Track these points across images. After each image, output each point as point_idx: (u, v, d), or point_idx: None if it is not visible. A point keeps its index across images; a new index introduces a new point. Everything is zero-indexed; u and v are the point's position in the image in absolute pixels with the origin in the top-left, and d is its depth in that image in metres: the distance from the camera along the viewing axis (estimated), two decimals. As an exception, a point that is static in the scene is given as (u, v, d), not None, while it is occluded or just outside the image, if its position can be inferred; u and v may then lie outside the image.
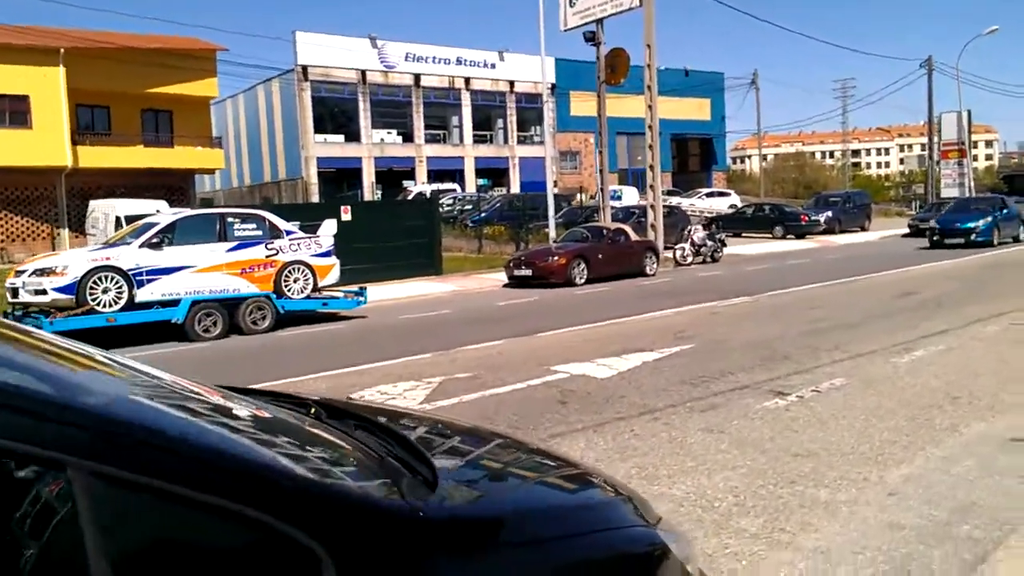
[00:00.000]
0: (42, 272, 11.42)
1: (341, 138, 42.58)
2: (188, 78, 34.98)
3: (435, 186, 41.76)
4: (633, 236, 20.97)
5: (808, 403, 6.77)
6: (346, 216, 19.48)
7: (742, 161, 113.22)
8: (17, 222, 32.39)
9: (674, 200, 49.77)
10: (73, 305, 11.49)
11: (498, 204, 32.98)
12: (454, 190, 40.43)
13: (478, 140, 48.08)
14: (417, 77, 44.11)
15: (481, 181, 48.31)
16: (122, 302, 11.79)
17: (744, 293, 15.11)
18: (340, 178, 43.26)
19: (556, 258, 18.62)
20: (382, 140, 43.69)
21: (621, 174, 56.55)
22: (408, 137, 44.75)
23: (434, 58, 44.61)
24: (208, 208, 13.00)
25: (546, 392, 7.43)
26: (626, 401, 7.01)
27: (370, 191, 42.41)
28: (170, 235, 12.41)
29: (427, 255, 21.34)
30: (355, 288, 14.98)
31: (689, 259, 23.68)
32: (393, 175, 44.24)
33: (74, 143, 31.81)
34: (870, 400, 6.79)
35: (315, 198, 39.63)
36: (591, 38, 24.75)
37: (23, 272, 11.61)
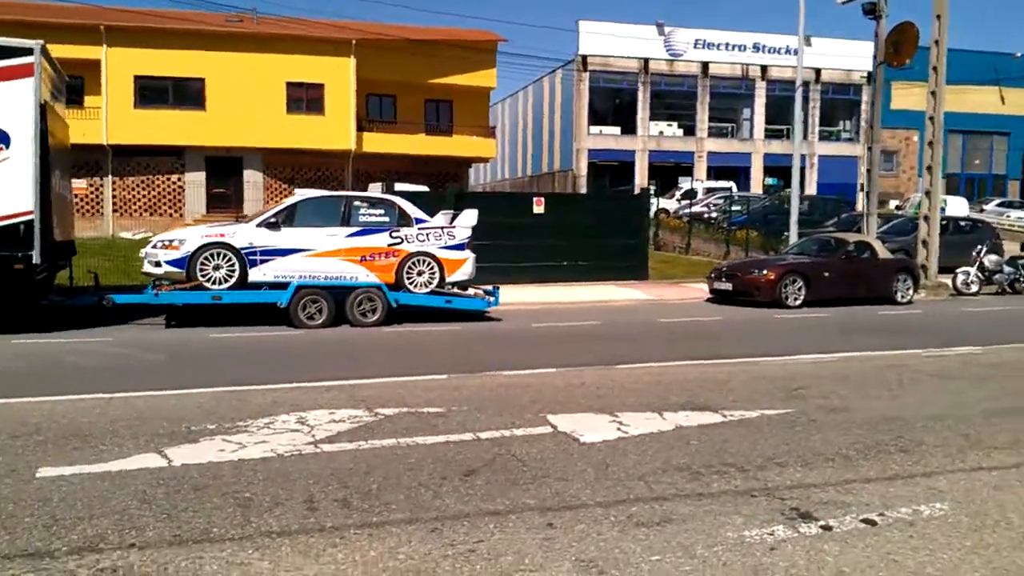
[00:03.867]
0: (162, 244, 11.67)
1: (617, 130, 41.27)
2: (469, 69, 36.03)
3: (711, 183, 38.83)
4: (882, 253, 16.93)
5: (821, 543, 4.10)
6: (538, 209, 18.18)
7: None
8: (310, 199, 35.80)
9: (1015, 213, 41.28)
10: (184, 279, 11.60)
11: (764, 205, 29.40)
12: (729, 189, 37.09)
13: (771, 135, 43.80)
14: (705, 66, 41.22)
15: (770, 180, 44.05)
16: (232, 280, 11.65)
17: (993, 340, 11.18)
18: (620, 171, 41.96)
19: (765, 272, 15.55)
20: (660, 133, 41.59)
21: (950, 180, 48.38)
22: (690, 130, 42.11)
23: (727, 44, 41.35)
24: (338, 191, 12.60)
25: (475, 453, 5.47)
26: (555, 488, 4.84)
27: (641, 185, 40.61)
28: (291, 216, 12.06)
29: (633, 257, 19.25)
30: (488, 287, 13.64)
31: (974, 287, 18.79)
32: (672, 170, 41.99)
33: (359, 129, 34.26)
34: (942, 557, 3.95)
35: (583, 191, 38.87)
36: (871, 10, 20.53)
37: (151, 243, 11.98)
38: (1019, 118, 46.28)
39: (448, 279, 12.82)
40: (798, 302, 15.43)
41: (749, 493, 4.82)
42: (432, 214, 13.11)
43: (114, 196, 33.29)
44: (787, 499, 4.74)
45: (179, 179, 33.64)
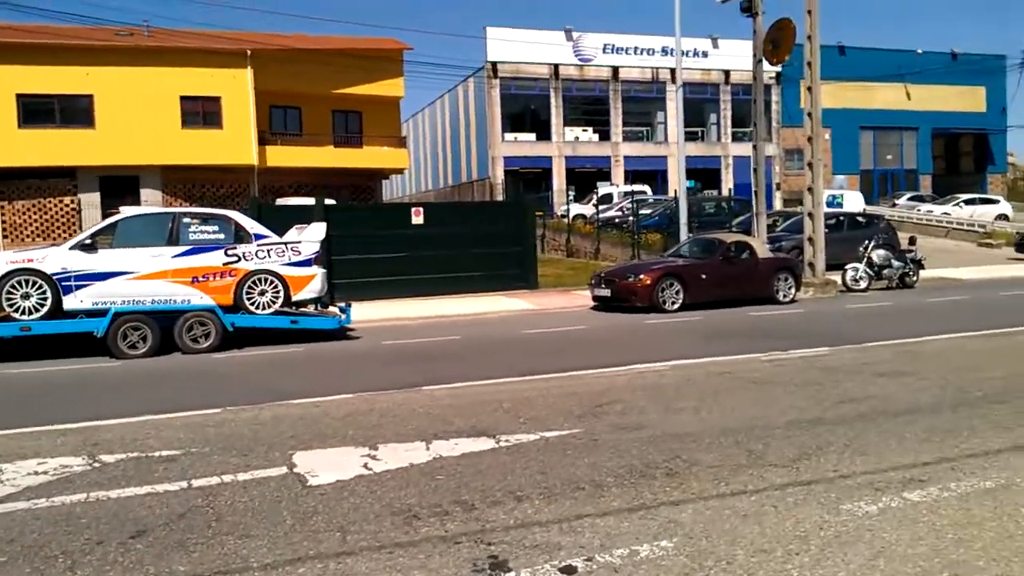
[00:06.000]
0: (-37, 274, 10.68)
1: (532, 137, 40.89)
2: (375, 78, 35.23)
3: (627, 188, 38.69)
4: (761, 252, 16.67)
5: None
6: (417, 219, 17.51)
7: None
8: (214, 217, 34.50)
9: (924, 207, 42.07)
10: (-10, 310, 10.65)
11: (670, 208, 29.20)
12: (644, 192, 36.99)
13: (686, 137, 43.88)
14: (615, 70, 41.13)
15: (688, 183, 44.12)
16: (44, 309, 10.72)
17: (848, 340, 10.86)
18: (537, 179, 41.53)
19: (641, 277, 15.13)
20: (576, 138, 41.33)
21: (864, 176, 49.30)
22: (605, 135, 41.96)
23: (636, 48, 41.32)
24: (166, 208, 11.86)
25: (169, 507, 4.75)
26: (229, 548, 4.14)
27: (560, 192, 40.27)
28: (109, 236, 11.18)
29: (520, 265, 18.72)
30: (340, 305, 12.94)
31: (863, 283, 18.69)
32: (591, 175, 41.74)
33: (261, 143, 33.15)
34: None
35: (500, 199, 38.33)
36: (747, 8, 20.46)
37: (-47, 273, 10.96)
38: (926, 113, 47.32)
39: (295, 297, 12.07)
40: (676, 306, 15.04)
41: (455, 539, 4.20)
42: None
43: (3, 222, 31.64)
44: (495, 543, 4.14)
45: (73, 201, 32.12)
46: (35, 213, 31.84)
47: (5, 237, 31.70)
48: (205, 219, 11.80)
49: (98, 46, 30.47)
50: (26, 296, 10.67)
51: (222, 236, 11.70)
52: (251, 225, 12.03)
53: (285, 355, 11.14)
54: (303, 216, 15.34)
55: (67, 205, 32.09)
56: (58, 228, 31.96)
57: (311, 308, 12.93)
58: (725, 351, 10.16)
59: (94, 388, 8.98)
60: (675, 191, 40.69)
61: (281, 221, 13.83)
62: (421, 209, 17.78)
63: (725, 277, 15.69)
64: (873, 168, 48.98)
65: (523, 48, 38.65)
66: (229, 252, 11.62)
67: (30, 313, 10.70)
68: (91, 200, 32.11)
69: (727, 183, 44.39)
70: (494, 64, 38.95)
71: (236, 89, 32.24)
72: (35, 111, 30.22)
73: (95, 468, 5.51)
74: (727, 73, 43.31)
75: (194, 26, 36.82)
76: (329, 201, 25.05)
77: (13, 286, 10.60)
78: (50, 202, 31.98)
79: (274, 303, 11.87)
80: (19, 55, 29.44)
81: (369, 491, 4.98)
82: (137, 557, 4.04)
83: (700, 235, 18.97)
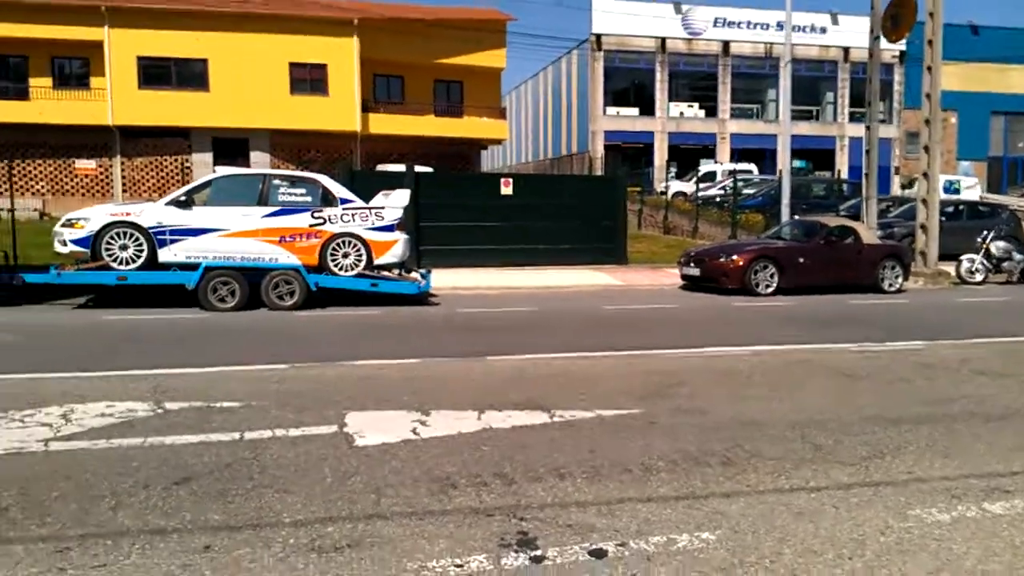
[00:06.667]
0: (68, 223, 11.27)
1: (635, 111, 40.01)
2: (478, 48, 35.27)
3: (731, 166, 37.44)
4: (867, 238, 15.74)
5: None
6: (507, 189, 17.39)
7: None
8: (318, 182, 35.39)
9: (1055, 199, 38.96)
10: (91, 259, 11.20)
11: (774, 188, 28.05)
12: (749, 171, 35.70)
13: (798, 116, 42.01)
14: (726, 45, 39.65)
15: (798, 163, 42.31)
16: (140, 260, 11.20)
17: (950, 335, 10.16)
18: (638, 155, 40.74)
19: (733, 257, 14.57)
20: (681, 114, 40.19)
21: (992, 163, 46.13)
22: (712, 111, 40.64)
23: (748, 23, 39.67)
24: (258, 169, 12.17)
25: (218, 456, 4.82)
26: (265, 500, 4.17)
27: (661, 169, 39.37)
28: (203, 194, 11.56)
29: (611, 240, 18.38)
30: (422, 271, 12.99)
31: (979, 276, 17.51)
32: (695, 152, 40.63)
33: (364, 110, 33.73)
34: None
35: (599, 174, 37.82)
36: (868, -20, 19.24)
37: (60, 222, 11.59)
38: (1065, 96, 43.75)
39: (376, 261, 12.20)
40: (770, 289, 14.43)
41: (487, 512, 4.09)
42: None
43: (123, 177, 33.42)
44: (527, 520, 4.00)
45: (187, 160, 33.60)
46: (152, 170, 33.47)
47: (125, 191, 33.53)
48: (294, 182, 12.04)
49: (213, 12, 31.56)
50: (123, 247, 11.17)
51: (309, 199, 11.91)
52: (338, 189, 12.20)
53: (363, 317, 11.28)
54: (396, 182, 15.46)
55: (182, 163, 33.62)
56: (173, 184, 33.45)
57: (393, 272, 13.06)
58: (813, 339, 9.66)
59: (178, 337, 9.32)
60: (780, 171, 39.17)
61: (374, 187, 13.99)
62: (510, 180, 17.67)
63: (825, 262, 14.92)
64: (1003, 155, 45.76)
65: (629, 20, 37.75)
66: (315, 214, 11.83)
67: (127, 264, 11.20)
68: (204, 160, 33.53)
69: (842, 164, 42.41)
70: (598, 36, 38.23)
71: (342, 57, 32.87)
72: (153, 73, 31.68)
73: (157, 414, 5.68)
74: (846, 50, 41.13)
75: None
76: (425, 169, 25.33)
77: (112, 237, 11.12)
78: (166, 160, 33.55)
79: (356, 266, 12.03)
80: (140, 19, 30.85)
81: (412, 456, 4.93)
82: (177, 503, 4.11)
83: (801, 217, 18.11)
